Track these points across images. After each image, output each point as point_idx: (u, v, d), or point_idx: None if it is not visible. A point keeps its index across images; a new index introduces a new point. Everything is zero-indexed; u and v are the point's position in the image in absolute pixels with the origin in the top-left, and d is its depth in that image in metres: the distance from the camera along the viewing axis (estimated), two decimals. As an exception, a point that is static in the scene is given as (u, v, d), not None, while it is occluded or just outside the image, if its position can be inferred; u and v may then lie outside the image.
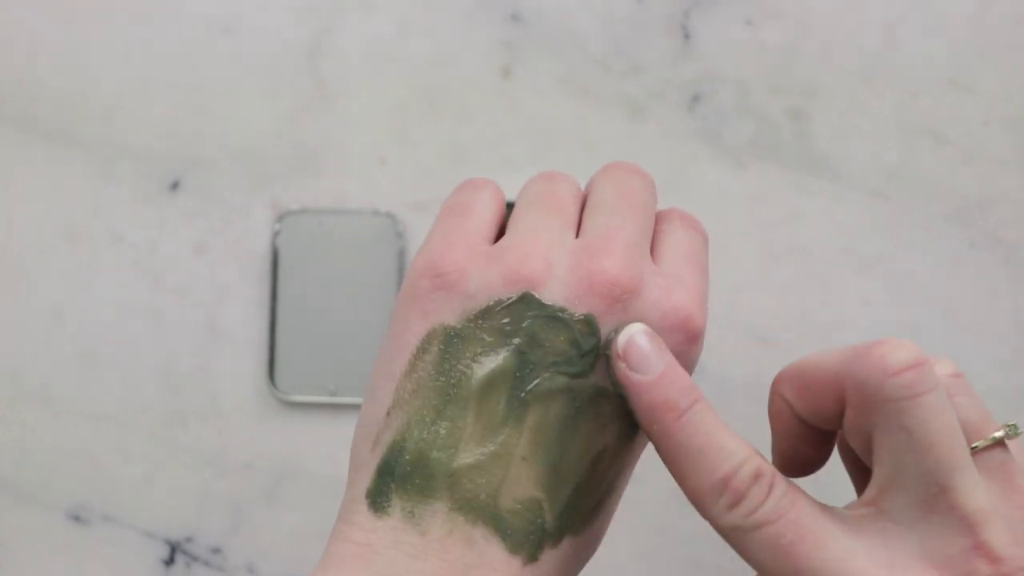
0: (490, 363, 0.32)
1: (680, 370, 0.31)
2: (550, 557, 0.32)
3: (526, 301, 0.32)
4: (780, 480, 0.29)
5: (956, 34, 0.56)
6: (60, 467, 0.56)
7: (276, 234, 0.56)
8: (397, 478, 0.31)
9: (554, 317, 0.32)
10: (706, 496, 0.29)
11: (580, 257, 0.33)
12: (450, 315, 0.32)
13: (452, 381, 0.32)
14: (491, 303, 0.32)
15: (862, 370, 0.28)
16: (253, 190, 0.56)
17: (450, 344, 0.32)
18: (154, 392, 0.56)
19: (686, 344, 0.33)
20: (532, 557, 0.31)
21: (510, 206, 0.37)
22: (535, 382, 0.31)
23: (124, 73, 0.57)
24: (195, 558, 0.56)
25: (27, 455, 0.56)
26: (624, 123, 0.56)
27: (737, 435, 0.30)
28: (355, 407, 0.55)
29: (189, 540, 0.56)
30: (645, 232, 0.35)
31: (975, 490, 0.28)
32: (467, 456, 0.31)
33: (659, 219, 0.37)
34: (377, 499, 0.31)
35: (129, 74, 0.57)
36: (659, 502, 0.54)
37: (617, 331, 0.31)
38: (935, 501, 0.28)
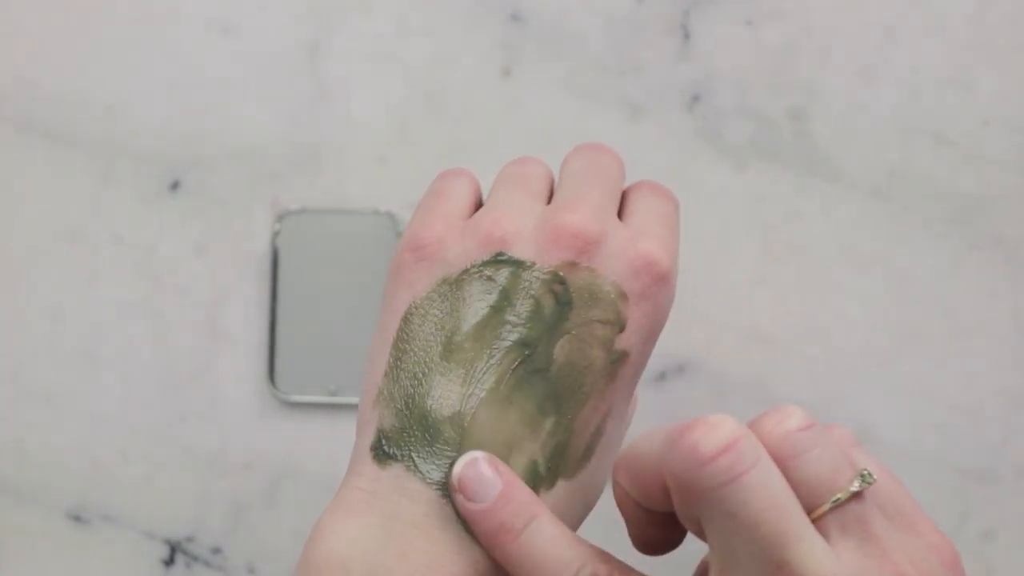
0: (472, 318, 0.34)
1: (520, 488, 0.32)
2: (544, 499, 0.33)
3: (498, 259, 0.35)
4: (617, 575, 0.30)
5: (956, 34, 0.56)
6: (60, 467, 0.56)
7: (276, 234, 0.56)
8: (394, 433, 0.34)
9: (528, 271, 0.35)
10: None
11: (547, 216, 0.35)
12: (431, 282, 0.36)
13: (439, 339, 0.34)
14: (467, 266, 0.35)
15: (677, 461, 0.28)
16: (253, 190, 0.56)
17: (432, 306, 0.35)
18: (154, 392, 0.56)
19: (653, 286, 0.35)
20: None
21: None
22: (513, 334, 0.34)
23: (124, 73, 0.57)
24: (195, 558, 0.56)
25: (27, 455, 0.56)
26: (624, 123, 0.56)
27: (579, 540, 0.31)
28: (355, 407, 0.55)
29: (189, 540, 0.56)
30: (612, 197, 0.37)
31: (815, 558, 0.27)
32: (457, 405, 0.33)
33: (628, 190, 0.39)
34: (379, 452, 0.34)
35: (129, 74, 0.57)
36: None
37: (454, 462, 0.33)
38: None
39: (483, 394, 0.33)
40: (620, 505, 0.32)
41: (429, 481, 0.33)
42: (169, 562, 0.56)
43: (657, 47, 0.56)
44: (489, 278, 0.35)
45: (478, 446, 0.33)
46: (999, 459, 0.55)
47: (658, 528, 0.32)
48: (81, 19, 0.57)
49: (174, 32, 0.57)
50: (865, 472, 0.29)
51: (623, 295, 0.35)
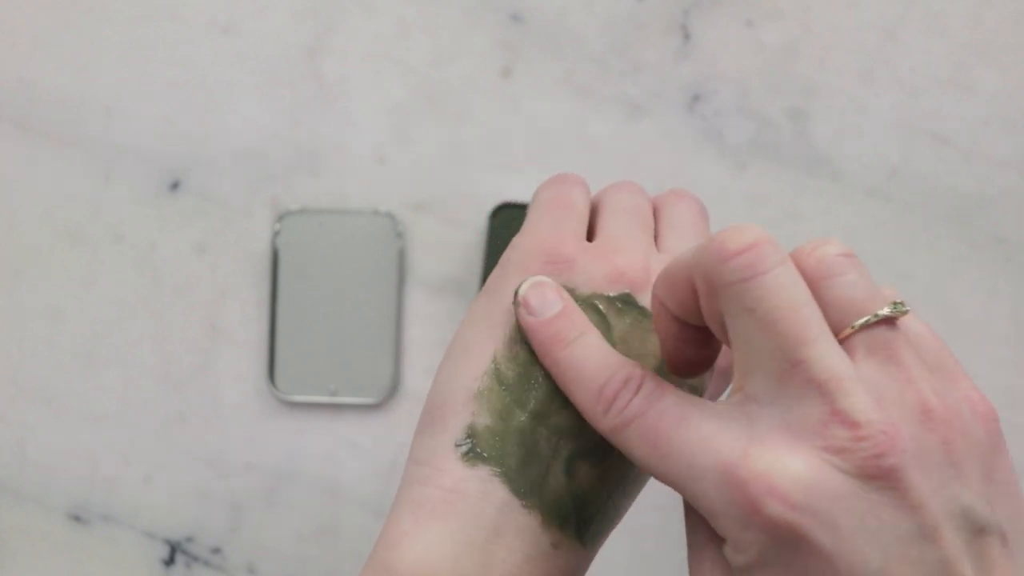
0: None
1: (577, 312, 0.34)
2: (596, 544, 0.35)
3: (626, 300, 0.35)
4: (650, 380, 0.31)
5: (956, 34, 0.56)
6: (60, 467, 0.56)
7: (276, 234, 0.56)
8: (494, 436, 0.34)
9: (646, 319, 0.35)
10: (587, 405, 0.31)
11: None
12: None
13: None
14: (590, 293, 0.35)
15: (704, 257, 0.29)
16: (253, 190, 0.56)
17: None
18: (154, 392, 0.56)
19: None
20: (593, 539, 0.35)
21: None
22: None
23: (124, 73, 0.57)
24: (195, 558, 0.56)
25: (27, 455, 0.56)
26: (624, 123, 0.56)
27: (624, 357, 0.32)
28: (355, 407, 0.55)
29: (189, 540, 0.56)
30: None
31: (829, 359, 0.27)
32: (553, 421, 0.34)
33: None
34: (471, 452, 0.33)
35: (129, 74, 0.57)
36: (659, 502, 0.54)
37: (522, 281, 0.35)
38: (790, 375, 0.28)
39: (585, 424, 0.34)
40: (655, 320, 0.33)
41: (516, 491, 0.33)
42: (169, 562, 0.56)
43: (657, 47, 0.56)
44: (615, 310, 0.35)
45: (572, 462, 0.34)
46: (999, 459, 0.55)
47: (690, 345, 0.33)
48: (81, 19, 0.57)
49: (174, 32, 0.57)
50: (899, 301, 0.29)
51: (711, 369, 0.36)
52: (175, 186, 0.56)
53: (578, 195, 0.38)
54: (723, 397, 0.37)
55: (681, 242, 0.37)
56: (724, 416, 0.29)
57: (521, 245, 0.36)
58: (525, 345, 0.34)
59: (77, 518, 0.56)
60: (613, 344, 0.34)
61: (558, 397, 0.34)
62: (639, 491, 0.36)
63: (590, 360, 0.32)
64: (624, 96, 0.56)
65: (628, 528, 0.55)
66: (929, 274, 0.56)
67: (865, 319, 0.29)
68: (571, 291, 0.35)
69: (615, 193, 0.39)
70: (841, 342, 0.29)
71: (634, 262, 0.36)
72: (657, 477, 0.30)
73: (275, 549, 0.56)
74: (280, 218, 0.56)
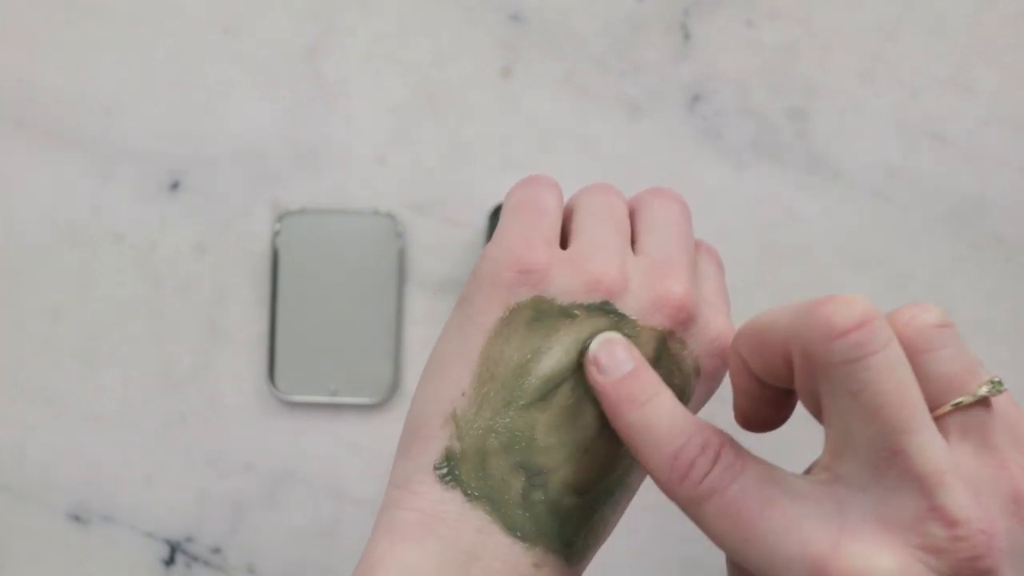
0: (564, 357, 0.34)
1: (648, 371, 0.32)
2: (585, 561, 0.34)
3: (605, 309, 0.34)
4: (729, 450, 0.29)
5: (956, 34, 0.56)
6: (60, 467, 0.56)
7: (276, 234, 0.56)
8: (468, 459, 0.33)
9: (630, 328, 0.34)
10: (660, 473, 0.30)
11: (652, 277, 0.35)
12: (533, 308, 0.35)
13: (534, 371, 0.33)
14: (569, 304, 0.34)
15: (808, 331, 0.28)
16: (253, 190, 0.56)
17: (532, 335, 0.34)
18: (154, 392, 0.56)
19: (722, 368, 0.36)
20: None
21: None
22: None
23: (124, 73, 0.57)
24: (195, 558, 0.56)
25: (27, 455, 0.56)
26: (624, 123, 0.56)
27: (697, 417, 0.31)
28: (355, 407, 0.55)
29: (189, 540, 0.56)
30: (693, 259, 0.38)
31: (931, 451, 0.27)
32: (540, 443, 0.33)
33: (698, 249, 0.39)
34: (447, 476, 0.33)
35: (129, 74, 0.57)
36: (658, 502, 0.54)
37: (591, 338, 0.33)
38: (888, 464, 0.27)
39: (567, 439, 0.33)
40: (734, 376, 0.33)
41: (494, 513, 0.32)
42: (169, 562, 0.56)
43: (657, 47, 0.56)
44: (592, 321, 0.34)
45: (563, 490, 0.33)
46: (999, 459, 0.55)
47: (767, 405, 0.32)
48: (81, 19, 0.57)
49: (174, 32, 0.57)
50: (996, 380, 0.28)
51: (698, 372, 0.35)
52: (175, 186, 0.56)
53: (549, 198, 0.37)
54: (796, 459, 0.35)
55: (660, 244, 0.36)
56: (811, 498, 0.28)
57: (491, 255, 0.35)
58: (499, 366, 0.34)
59: (77, 518, 0.56)
60: None
61: (540, 426, 0.33)
62: (628, 503, 0.36)
63: (663, 421, 0.31)
64: (624, 96, 0.56)
65: (628, 528, 0.54)
66: (929, 274, 0.56)
67: (961, 399, 0.28)
68: (548, 302, 0.34)
69: (589, 196, 0.38)
70: (936, 419, 0.28)
71: (610, 268, 0.35)
72: (734, 557, 0.29)
73: (275, 549, 0.56)
74: (280, 218, 0.56)
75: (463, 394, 0.34)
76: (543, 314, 0.34)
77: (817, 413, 0.29)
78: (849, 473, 0.27)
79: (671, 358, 0.35)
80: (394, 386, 0.55)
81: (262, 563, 0.56)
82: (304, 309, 0.55)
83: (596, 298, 0.34)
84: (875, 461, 0.27)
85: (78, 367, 0.56)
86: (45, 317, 0.56)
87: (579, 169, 0.56)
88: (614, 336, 0.33)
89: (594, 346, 0.33)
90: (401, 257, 0.56)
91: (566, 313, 0.34)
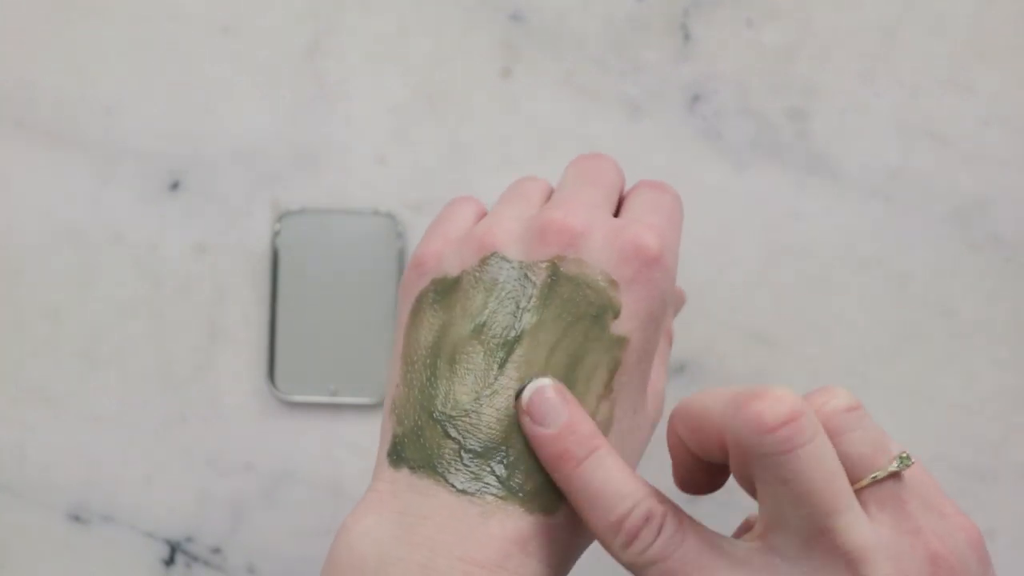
0: (470, 321, 0.35)
1: (584, 419, 0.33)
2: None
3: (491, 260, 0.36)
4: (671, 520, 0.31)
5: (956, 34, 0.56)
6: (60, 467, 0.56)
7: (276, 234, 0.56)
8: (407, 437, 0.34)
9: (517, 270, 0.35)
10: (605, 536, 0.32)
11: (535, 216, 0.37)
12: (431, 292, 0.37)
13: (443, 346, 0.35)
14: (460, 273, 0.36)
15: (740, 425, 0.30)
16: (253, 190, 0.56)
17: (435, 316, 0.36)
18: (154, 392, 0.56)
19: (644, 269, 0.35)
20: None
21: None
22: (511, 331, 0.35)
23: (124, 73, 0.57)
24: (195, 558, 0.56)
25: (27, 455, 0.56)
26: (624, 123, 0.56)
27: (637, 476, 0.32)
28: (355, 407, 0.55)
29: (189, 540, 0.56)
30: (606, 197, 0.38)
31: (857, 528, 0.29)
32: (464, 406, 0.34)
33: (628, 191, 0.40)
34: (394, 457, 0.35)
35: (129, 74, 0.57)
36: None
37: (524, 386, 0.34)
38: (817, 541, 0.29)
39: (488, 393, 0.34)
40: (672, 449, 0.34)
41: (440, 478, 0.34)
42: (169, 562, 0.56)
43: (657, 47, 0.56)
44: (480, 279, 0.36)
45: (488, 442, 0.34)
46: (999, 459, 0.55)
47: (703, 473, 0.34)
48: (81, 19, 0.57)
49: (174, 32, 0.57)
50: (904, 455, 0.31)
51: (613, 282, 0.35)
52: (175, 186, 0.56)
53: (461, 209, 0.40)
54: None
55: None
56: (749, 567, 0.30)
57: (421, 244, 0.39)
58: (415, 352, 0.36)
59: (77, 518, 0.56)
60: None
61: (456, 390, 0.34)
62: None
63: (606, 486, 0.32)
64: (624, 96, 0.56)
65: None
66: (929, 274, 0.56)
67: (875, 474, 0.31)
68: (443, 279, 0.36)
69: (509, 187, 0.40)
70: (856, 492, 0.30)
71: (494, 227, 0.37)
72: None
73: (275, 549, 0.56)
74: (280, 218, 0.56)
75: (397, 385, 0.36)
76: (443, 291, 0.36)
77: (751, 492, 0.32)
78: (782, 545, 0.30)
79: (570, 281, 0.35)
80: (394, 386, 0.55)
81: (262, 563, 0.56)
82: (304, 309, 0.55)
83: (482, 257, 0.36)
84: (805, 537, 0.30)
85: (78, 367, 0.56)
86: (45, 317, 0.56)
87: (579, 169, 0.56)
88: (545, 383, 0.34)
89: (526, 395, 0.34)
90: (401, 257, 0.56)
91: (460, 282, 0.36)
